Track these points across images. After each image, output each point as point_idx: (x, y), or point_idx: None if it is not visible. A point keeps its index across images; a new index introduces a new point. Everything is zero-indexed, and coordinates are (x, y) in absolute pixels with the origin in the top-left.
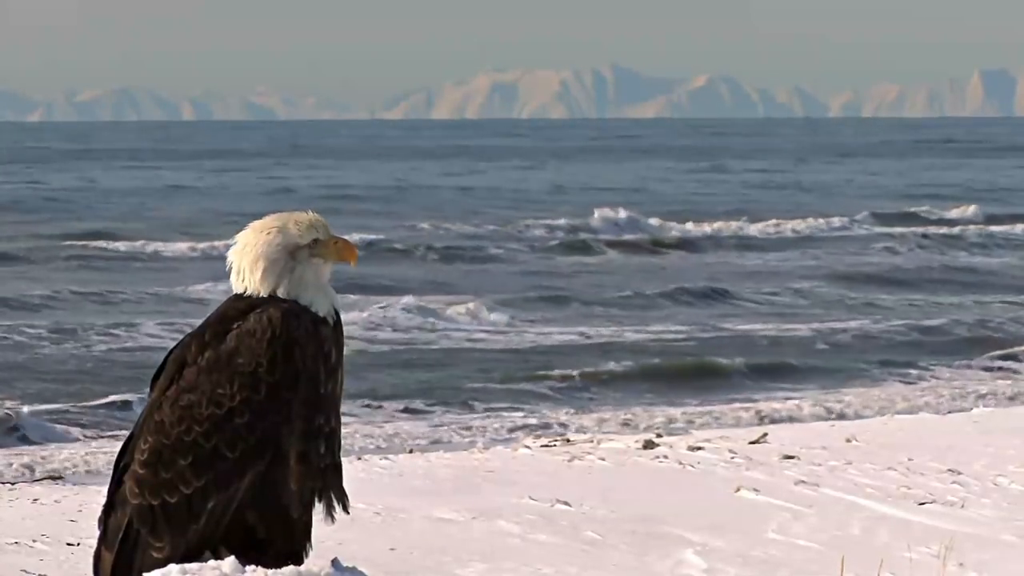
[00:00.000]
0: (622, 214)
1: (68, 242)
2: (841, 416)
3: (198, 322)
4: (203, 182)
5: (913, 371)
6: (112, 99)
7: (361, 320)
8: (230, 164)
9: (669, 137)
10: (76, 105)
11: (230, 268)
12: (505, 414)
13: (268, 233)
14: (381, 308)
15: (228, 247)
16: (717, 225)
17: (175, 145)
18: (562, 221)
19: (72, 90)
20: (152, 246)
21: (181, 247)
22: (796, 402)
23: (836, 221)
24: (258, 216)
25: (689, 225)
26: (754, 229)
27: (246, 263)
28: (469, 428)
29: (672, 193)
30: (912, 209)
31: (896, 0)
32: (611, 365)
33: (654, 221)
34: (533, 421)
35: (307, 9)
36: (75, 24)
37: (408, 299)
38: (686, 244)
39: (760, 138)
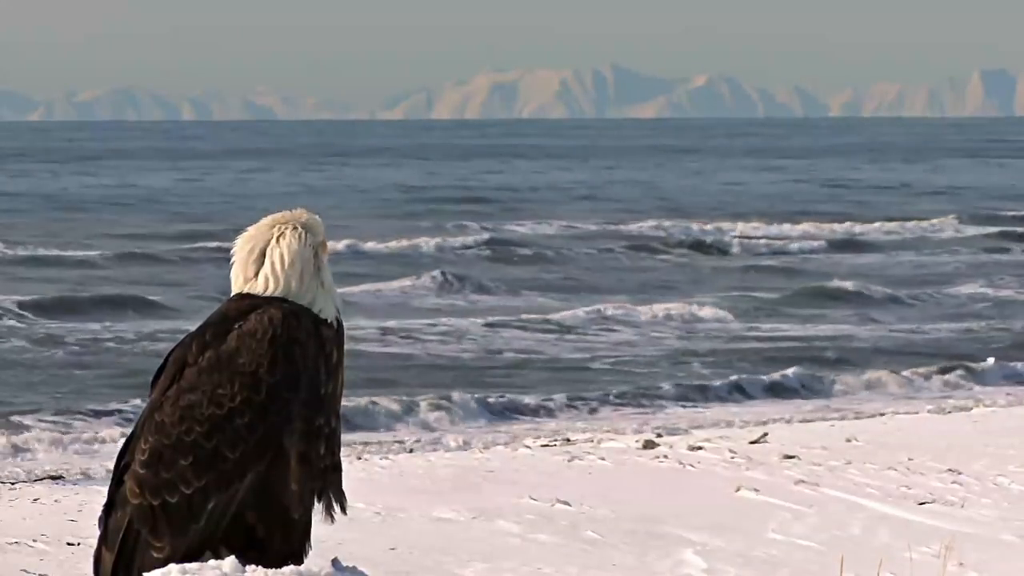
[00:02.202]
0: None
1: (201, 243)
2: None
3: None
4: (300, 181)
5: None
6: (112, 99)
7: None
8: (312, 163)
9: (705, 138)
10: (76, 105)
11: (232, 267)
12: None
13: (299, 231)
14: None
15: (353, 248)
16: (832, 226)
17: (248, 143)
18: (693, 224)
19: (72, 90)
20: None
21: (337, 246)
22: None
23: (937, 222)
24: (394, 215)
25: (807, 227)
26: (872, 231)
27: (278, 262)
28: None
29: (760, 194)
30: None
31: (896, 0)
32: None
33: (787, 225)
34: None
35: (307, 9)
36: (75, 24)
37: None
38: (821, 246)
39: (793, 139)
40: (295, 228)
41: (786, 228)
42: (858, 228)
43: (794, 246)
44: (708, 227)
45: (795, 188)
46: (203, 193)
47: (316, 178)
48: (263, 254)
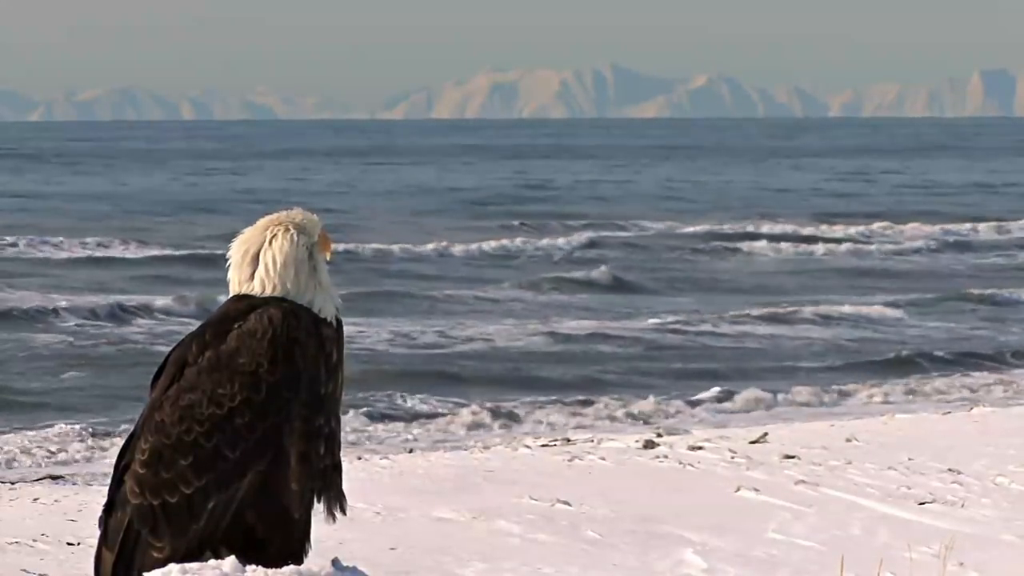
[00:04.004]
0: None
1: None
2: None
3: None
4: (347, 180)
5: None
6: (112, 99)
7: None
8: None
9: (742, 138)
10: (76, 104)
11: (229, 269)
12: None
13: (291, 232)
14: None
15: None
16: (947, 226)
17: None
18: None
19: (72, 90)
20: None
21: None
22: None
23: None
24: (516, 214)
25: (919, 227)
26: (985, 231)
27: (271, 265)
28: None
29: (835, 194)
30: None
31: (896, 0)
32: None
33: (915, 226)
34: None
35: (307, 9)
36: (75, 24)
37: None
38: (947, 247)
39: (815, 138)
40: (287, 230)
41: (905, 229)
42: (958, 227)
43: (910, 246)
44: (806, 230)
45: (865, 188)
46: (263, 192)
47: (363, 177)
48: (257, 257)
